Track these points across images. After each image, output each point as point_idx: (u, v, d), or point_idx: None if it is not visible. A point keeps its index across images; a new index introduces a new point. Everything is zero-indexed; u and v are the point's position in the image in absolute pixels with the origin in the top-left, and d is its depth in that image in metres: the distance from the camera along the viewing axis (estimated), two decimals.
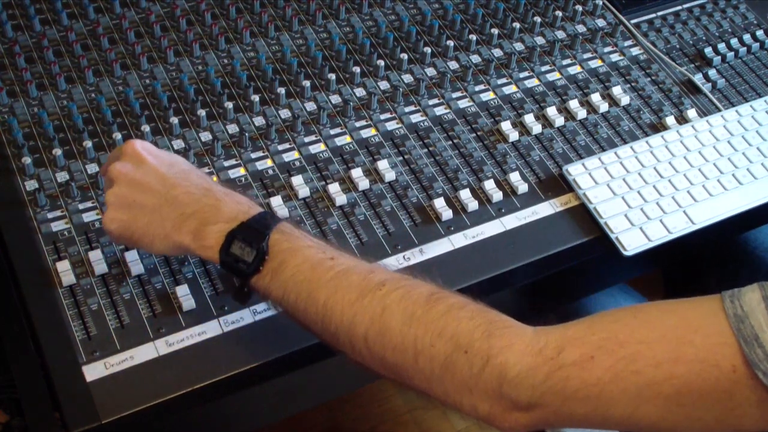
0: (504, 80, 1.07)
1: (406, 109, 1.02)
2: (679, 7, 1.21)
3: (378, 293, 0.69)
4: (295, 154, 0.96)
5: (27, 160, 0.91)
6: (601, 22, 1.16)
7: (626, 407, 0.61)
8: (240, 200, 0.76)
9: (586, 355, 0.62)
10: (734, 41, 1.15)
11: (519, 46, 1.11)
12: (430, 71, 1.07)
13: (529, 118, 1.02)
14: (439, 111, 1.02)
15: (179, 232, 0.75)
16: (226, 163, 0.94)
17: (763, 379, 0.57)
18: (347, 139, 0.98)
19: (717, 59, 1.13)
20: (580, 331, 0.65)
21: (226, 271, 0.75)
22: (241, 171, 0.94)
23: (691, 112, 1.05)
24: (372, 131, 0.99)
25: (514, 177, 0.96)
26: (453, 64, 1.08)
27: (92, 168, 0.92)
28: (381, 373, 0.71)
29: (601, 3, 1.18)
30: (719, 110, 1.06)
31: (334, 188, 0.92)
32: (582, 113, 1.04)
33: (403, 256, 0.88)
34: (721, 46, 1.15)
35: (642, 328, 0.63)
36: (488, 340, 0.65)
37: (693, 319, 0.62)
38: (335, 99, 1.02)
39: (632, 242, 0.90)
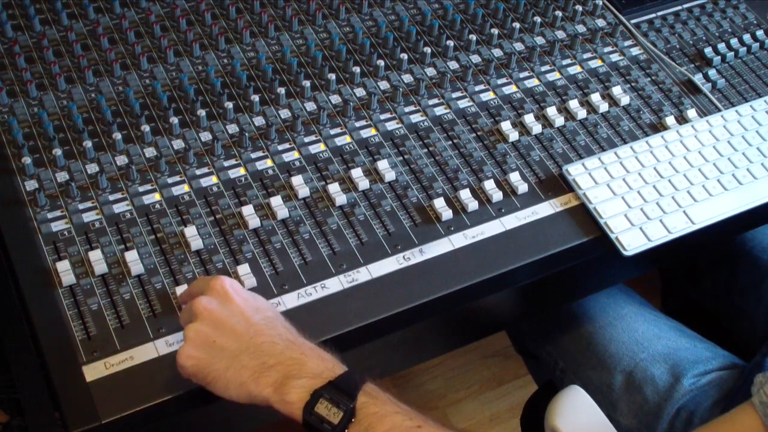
0: (504, 80, 1.07)
1: (406, 109, 1.02)
2: (679, 7, 1.21)
3: None
4: (295, 154, 0.96)
5: (27, 160, 0.91)
6: (601, 22, 1.16)
7: None
8: (325, 356, 0.73)
9: None
10: (734, 41, 1.15)
11: (519, 46, 1.11)
12: (430, 71, 1.07)
13: (529, 118, 1.02)
14: (439, 111, 1.02)
15: (258, 384, 0.71)
16: (226, 163, 0.94)
17: None
18: (347, 139, 0.98)
19: (717, 59, 1.13)
20: None
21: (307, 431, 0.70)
22: (241, 171, 0.94)
23: (691, 112, 1.05)
24: (372, 131, 0.99)
25: (514, 177, 0.96)
26: (453, 64, 1.08)
27: (92, 168, 0.92)
28: None
29: (601, 3, 1.18)
30: (719, 110, 1.06)
31: (334, 188, 0.92)
32: (582, 113, 1.04)
33: (403, 256, 0.88)
34: (721, 46, 1.15)
35: None
36: None
37: None
38: (335, 99, 1.02)
39: (632, 242, 0.90)
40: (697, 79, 1.10)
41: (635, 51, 1.13)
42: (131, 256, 0.84)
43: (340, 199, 0.92)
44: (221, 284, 0.75)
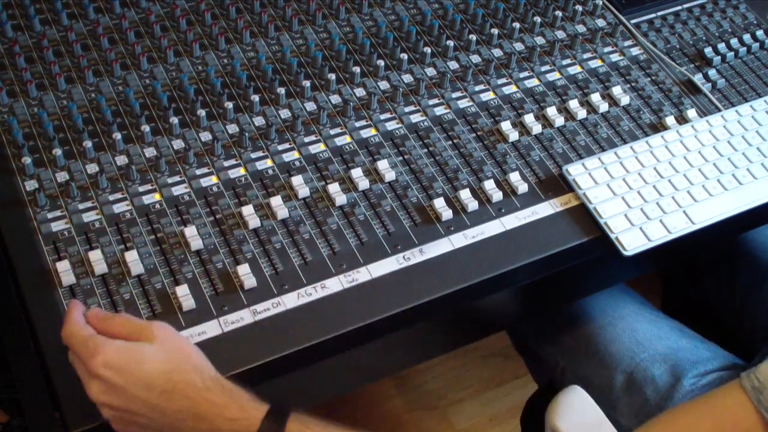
0: (504, 80, 1.07)
1: (406, 109, 1.02)
2: (679, 7, 1.21)
3: None
4: (295, 154, 0.96)
5: (27, 160, 0.91)
6: (601, 22, 1.16)
7: None
8: (234, 413, 0.69)
9: None
10: (734, 41, 1.15)
11: (519, 46, 1.11)
12: (430, 71, 1.07)
13: (529, 118, 1.02)
14: (439, 111, 1.02)
15: None
16: (226, 163, 0.94)
17: None
18: (347, 139, 0.98)
19: (717, 59, 1.13)
20: None
21: None
22: (241, 171, 0.94)
23: (691, 112, 1.05)
24: (372, 131, 0.99)
25: (514, 177, 0.96)
26: (453, 64, 1.08)
27: (92, 168, 0.92)
28: None
29: (601, 3, 1.18)
30: (719, 110, 1.06)
31: (334, 188, 0.92)
32: (582, 113, 1.04)
33: (403, 256, 0.88)
34: (721, 46, 1.15)
35: None
36: None
37: (725, 419, 0.63)
38: (335, 99, 1.02)
39: (632, 242, 0.90)
40: (697, 79, 1.10)
41: (635, 51, 1.13)
42: (131, 256, 0.84)
43: (340, 199, 0.92)
44: (99, 372, 0.69)
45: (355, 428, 0.69)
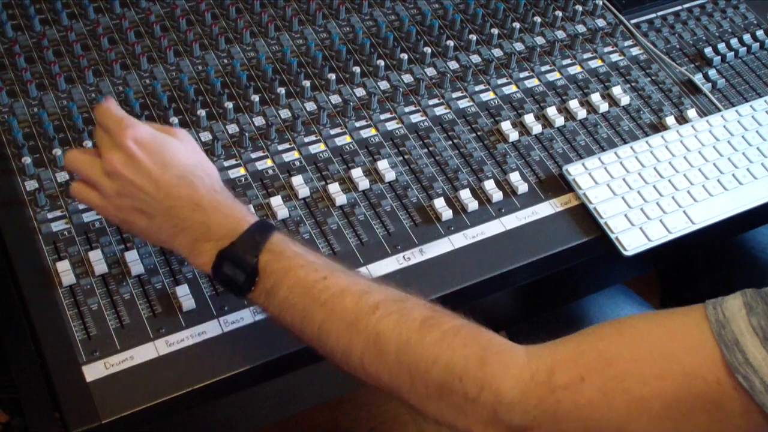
0: (504, 80, 1.07)
1: (406, 109, 1.02)
2: (679, 7, 1.21)
3: (372, 318, 0.68)
4: (295, 154, 0.96)
5: (27, 160, 0.91)
6: (601, 22, 1.16)
7: (617, 425, 0.62)
8: (230, 214, 0.75)
9: (576, 377, 0.63)
10: (734, 41, 1.15)
11: (519, 46, 1.11)
12: (430, 71, 1.07)
13: (529, 118, 1.02)
14: (439, 111, 1.02)
15: (174, 245, 0.76)
16: (226, 163, 0.94)
17: (743, 382, 0.57)
18: (347, 139, 0.98)
19: (717, 59, 1.13)
20: (570, 352, 0.65)
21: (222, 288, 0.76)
22: (241, 171, 0.94)
23: (691, 112, 1.05)
24: (372, 131, 0.99)
25: (514, 177, 0.96)
26: (453, 64, 1.08)
27: None
28: (378, 388, 0.71)
29: (601, 3, 1.18)
30: (719, 110, 1.07)
31: (334, 188, 0.92)
32: (582, 113, 1.04)
33: (403, 256, 0.88)
34: (721, 46, 1.15)
35: (629, 346, 0.64)
36: (482, 367, 0.65)
37: (678, 333, 0.63)
38: (335, 99, 1.02)
39: (632, 242, 0.90)
40: (697, 79, 1.10)
41: (635, 51, 1.13)
42: (131, 256, 0.84)
43: (340, 199, 0.92)
44: (126, 143, 0.75)
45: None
